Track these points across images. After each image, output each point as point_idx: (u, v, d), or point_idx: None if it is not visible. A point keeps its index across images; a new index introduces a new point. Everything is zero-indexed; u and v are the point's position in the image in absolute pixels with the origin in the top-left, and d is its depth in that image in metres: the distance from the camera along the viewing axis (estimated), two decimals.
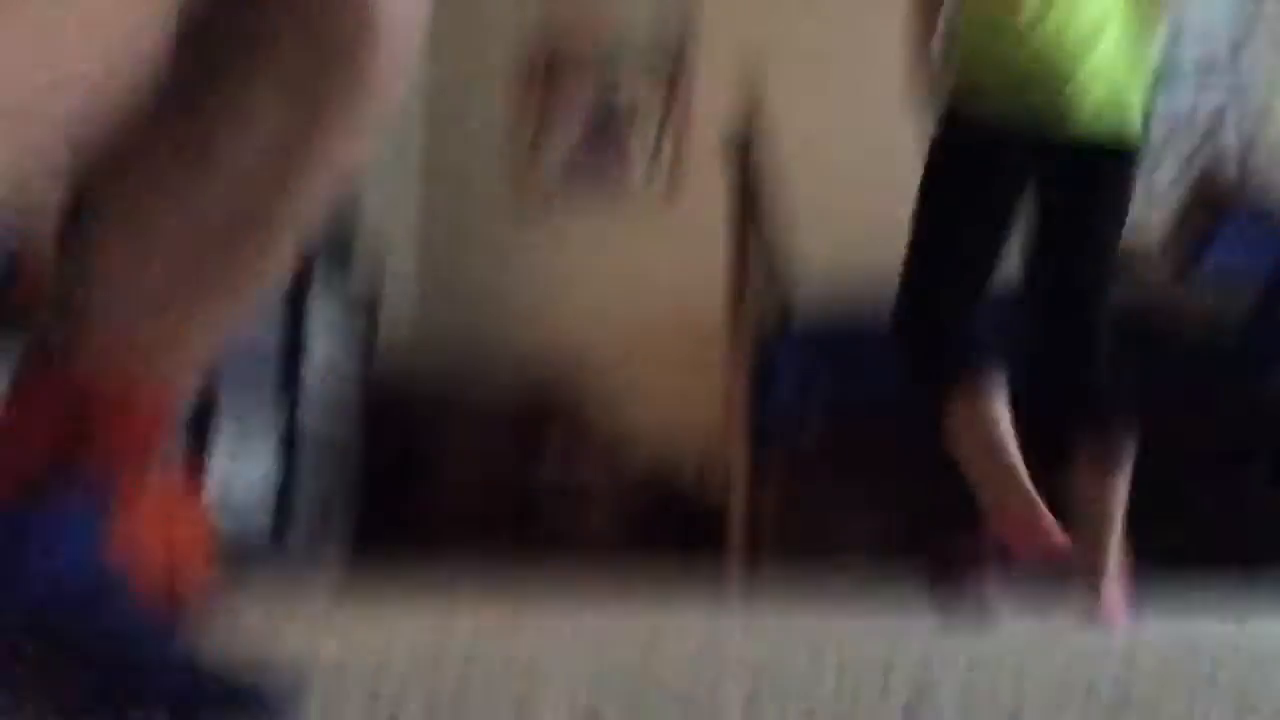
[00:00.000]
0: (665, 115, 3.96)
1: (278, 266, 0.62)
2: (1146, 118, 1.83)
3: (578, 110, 4.03)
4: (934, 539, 1.87)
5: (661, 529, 2.86)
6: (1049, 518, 1.69)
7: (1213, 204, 2.70)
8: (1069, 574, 1.72)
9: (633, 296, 3.86)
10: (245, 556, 2.08)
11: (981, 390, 1.71)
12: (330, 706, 0.69)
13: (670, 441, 3.59)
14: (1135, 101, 1.79)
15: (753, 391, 2.45)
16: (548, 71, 4.08)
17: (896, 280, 1.80)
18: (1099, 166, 1.78)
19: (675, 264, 3.80)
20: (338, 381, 2.70)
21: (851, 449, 2.49)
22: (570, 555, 2.78)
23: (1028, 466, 1.70)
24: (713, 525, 2.90)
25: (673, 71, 3.98)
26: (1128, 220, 1.84)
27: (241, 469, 2.34)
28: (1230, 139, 3.34)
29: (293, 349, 2.51)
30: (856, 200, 3.77)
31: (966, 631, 1.56)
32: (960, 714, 0.70)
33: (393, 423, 3.00)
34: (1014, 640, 1.43)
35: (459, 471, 3.05)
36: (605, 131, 4.01)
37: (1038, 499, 1.69)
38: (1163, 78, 2.32)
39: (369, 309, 2.90)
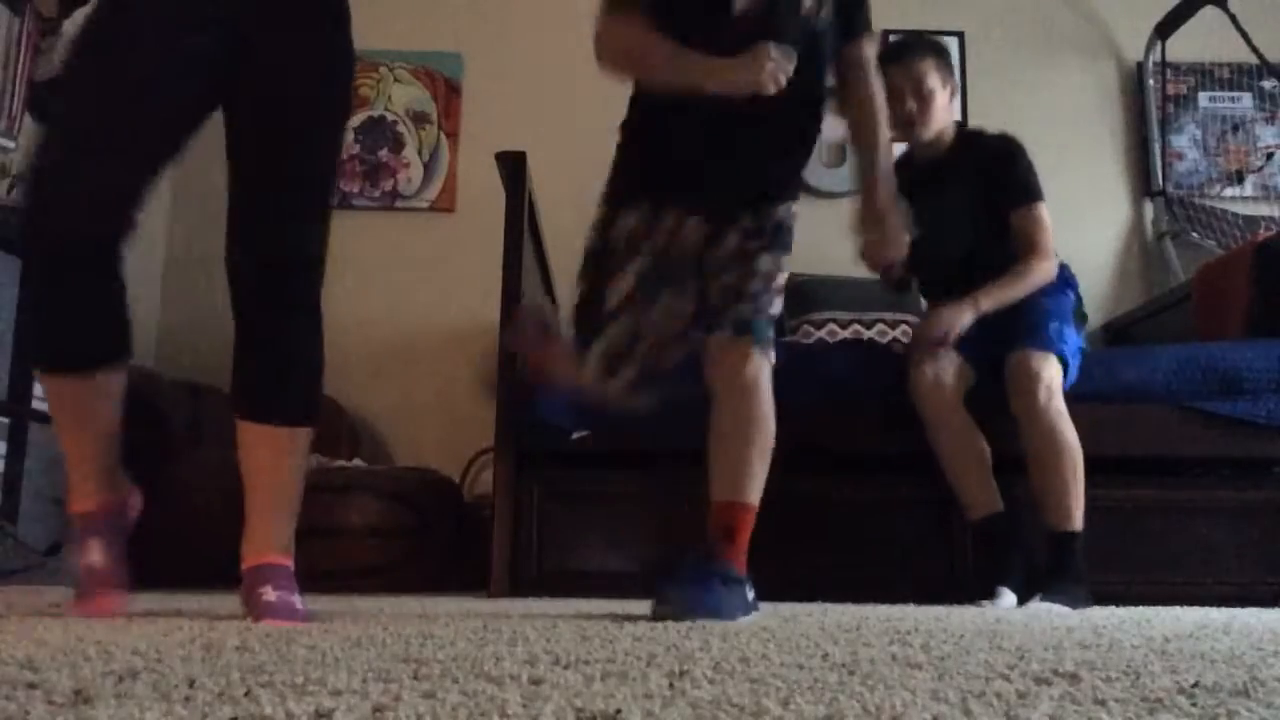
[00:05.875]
0: (439, 125, 3.93)
1: None
2: None
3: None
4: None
5: (426, 533, 2.86)
6: None
7: None
8: None
9: (406, 304, 3.81)
10: None
11: None
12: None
13: (440, 448, 3.57)
14: None
15: (520, 400, 2.49)
16: None
17: None
18: None
19: (450, 273, 3.79)
20: None
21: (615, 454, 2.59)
22: (330, 558, 2.72)
23: None
24: (478, 529, 2.92)
25: (447, 82, 3.97)
26: None
27: None
28: None
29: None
30: None
31: None
32: (717, 675, 0.80)
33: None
34: (761, 618, 1.58)
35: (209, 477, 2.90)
36: (376, 139, 3.93)
37: None
38: None
39: None
